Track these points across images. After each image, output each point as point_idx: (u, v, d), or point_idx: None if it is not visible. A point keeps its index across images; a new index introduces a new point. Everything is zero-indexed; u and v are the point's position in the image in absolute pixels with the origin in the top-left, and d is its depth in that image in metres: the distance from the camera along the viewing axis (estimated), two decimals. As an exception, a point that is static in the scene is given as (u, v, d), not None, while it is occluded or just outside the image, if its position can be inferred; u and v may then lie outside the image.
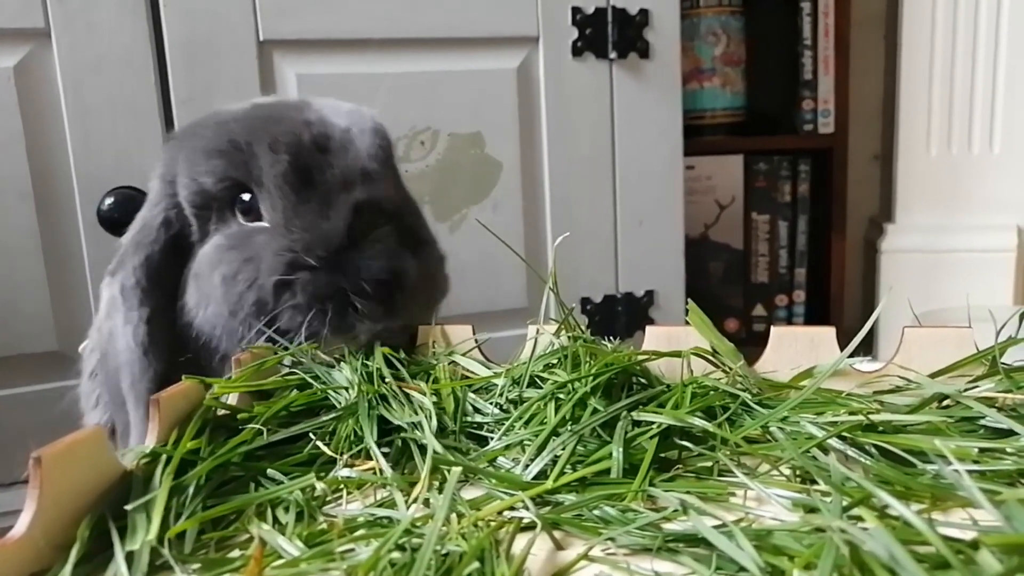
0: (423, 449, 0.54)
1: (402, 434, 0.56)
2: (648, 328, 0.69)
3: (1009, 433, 0.50)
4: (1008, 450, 0.47)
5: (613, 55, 1.53)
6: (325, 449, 0.54)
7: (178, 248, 0.76)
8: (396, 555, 0.40)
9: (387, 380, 0.62)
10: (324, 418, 0.58)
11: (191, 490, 0.48)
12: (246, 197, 0.71)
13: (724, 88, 1.98)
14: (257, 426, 0.56)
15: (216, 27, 1.28)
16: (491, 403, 0.60)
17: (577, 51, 1.51)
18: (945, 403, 0.56)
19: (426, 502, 0.47)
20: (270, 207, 0.70)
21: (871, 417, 0.51)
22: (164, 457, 0.50)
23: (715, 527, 0.40)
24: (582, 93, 1.53)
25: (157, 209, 0.76)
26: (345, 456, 0.54)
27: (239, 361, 0.63)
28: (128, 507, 0.44)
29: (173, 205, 0.75)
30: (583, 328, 0.67)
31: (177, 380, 0.62)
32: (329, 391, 0.61)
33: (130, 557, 0.41)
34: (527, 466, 0.51)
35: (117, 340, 0.74)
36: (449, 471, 0.49)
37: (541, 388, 0.60)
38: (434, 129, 1.44)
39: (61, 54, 1.20)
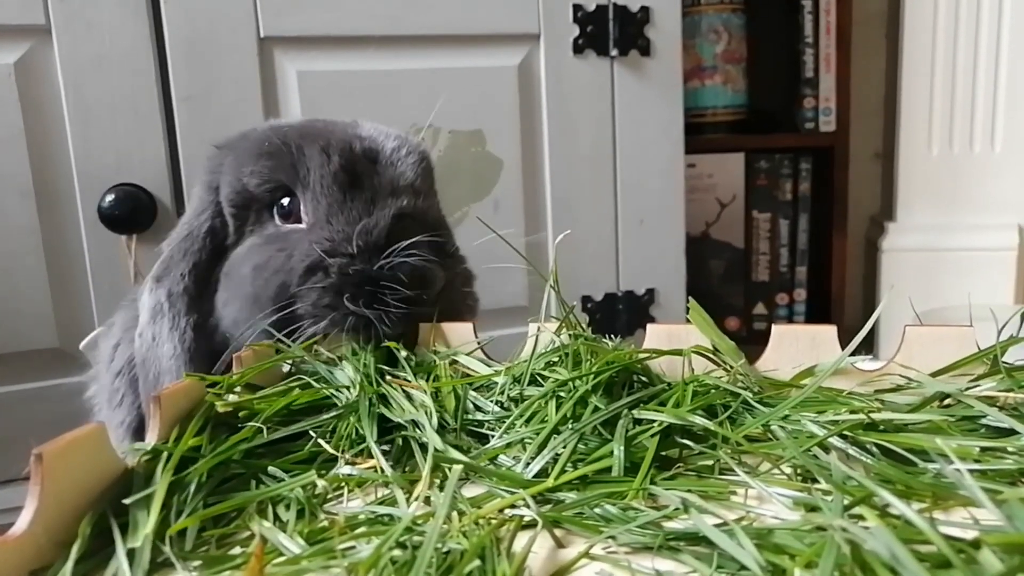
0: (424, 447, 0.54)
1: (403, 432, 0.56)
2: (649, 326, 0.69)
3: (1010, 432, 0.50)
4: (1009, 449, 0.47)
5: (614, 53, 1.53)
6: (326, 447, 0.54)
7: (221, 255, 0.77)
8: (397, 553, 0.40)
9: (388, 379, 0.63)
10: (325, 416, 0.58)
11: (192, 487, 0.48)
12: (286, 201, 0.74)
13: (725, 86, 1.98)
14: (258, 424, 0.56)
15: (217, 24, 1.28)
16: (492, 401, 0.60)
17: (578, 48, 1.51)
18: (946, 402, 0.55)
19: (427, 500, 0.47)
20: (312, 207, 0.72)
21: (872, 416, 0.51)
22: (165, 454, 0.50)
23: (716, 526, 0.40)
24: (583, 91, 1.53)
25: (203, 217, 0.78)
26: (346, 454, 0.54)
27: (240, 359, 0.63)
28: (127, 501, 0.44)
29: (218, 213, 0.77)
30: (584, 326, 0.67)
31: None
32: (331, 390, 0.61)
33: (131, 554, 0.41)
34: (528, 464, 0.51)
35: (162, 346, 0.75)
36: (450, 469, 0.49)
37: (542, 386, 0.60)
38: (435, 126, 1.44)
39: (62, 51, 1.20)
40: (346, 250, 0.69)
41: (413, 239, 0.69)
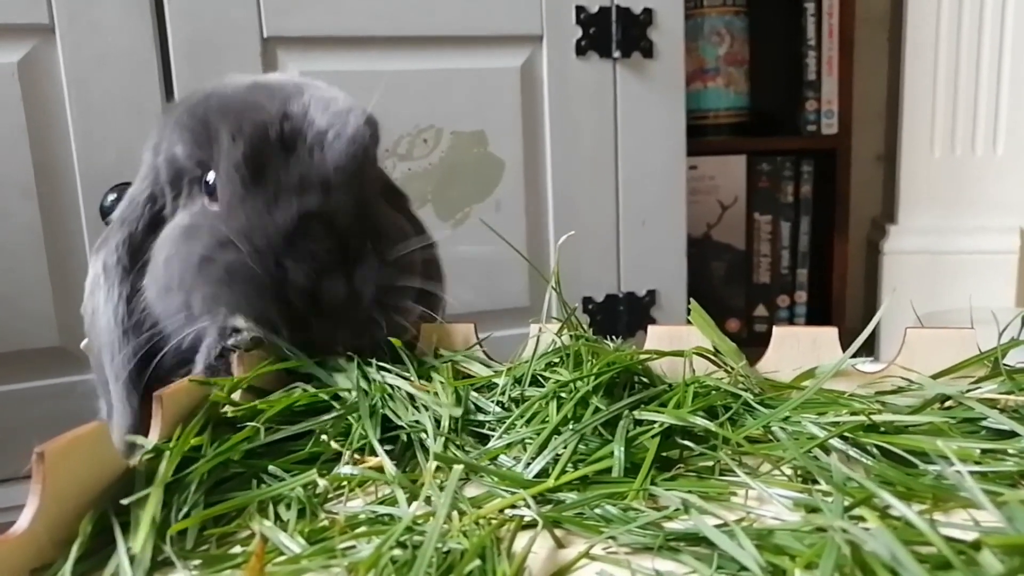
0: (426, 447, 0.54)
1: (405, 430, 0.56)
2: (650, 328, 0.69)
3: (1011, 434, 0.50)
4: (1010, 451, 0.47)
5: (617, 54, 1.53)
6: (332, 444, 0.54)
7: (158, 225, 0.74)
8: (397, 552, 0.40)
9: (389, 381, 0.62)
10: (325, 417, 0.58)
11: (193, 487, 0.48)
12: (211, 178, 0.69)
13: (728, 88, 1.98)
14: (260, 423, 0.56)
15: (220, 24, 1.28)
16: (493, 402, 0.60)
17: (581, 50, 1.51)
18: (947, 404, 0.55)
19: (428, 500, 0.47)
20: (221, 194, 0.68)
21: (873, 418, 0.51)
22: (166, 453, 0.50)
23: (716, 526, 0.40)
24: (585, 92, 1.53)
25: (145, 183, 0.76)
26: (349, 452, 0.54)
27: (242, 359, 0.63)
28: (125, 501, 0.44)
29: (158, 179, 0.74)
30: (585, 327, 0.67)
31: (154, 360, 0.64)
32: (329, 395, 0.61)
33: (132, 553, 0.41)
34: (529, 464, 0.51)
35: (99, 319, 0.74)
36: (451, 469, 0.49)
37: (543, 387, 0.60)
38: (437, 127, 1.44)
39: (65, 50, 1.20)
40: (238, 247, 0.64)
41: (315, 244, 0.64)
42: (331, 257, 0.64)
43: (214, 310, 0.65)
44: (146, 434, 0.53)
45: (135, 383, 0.71)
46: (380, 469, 0.51)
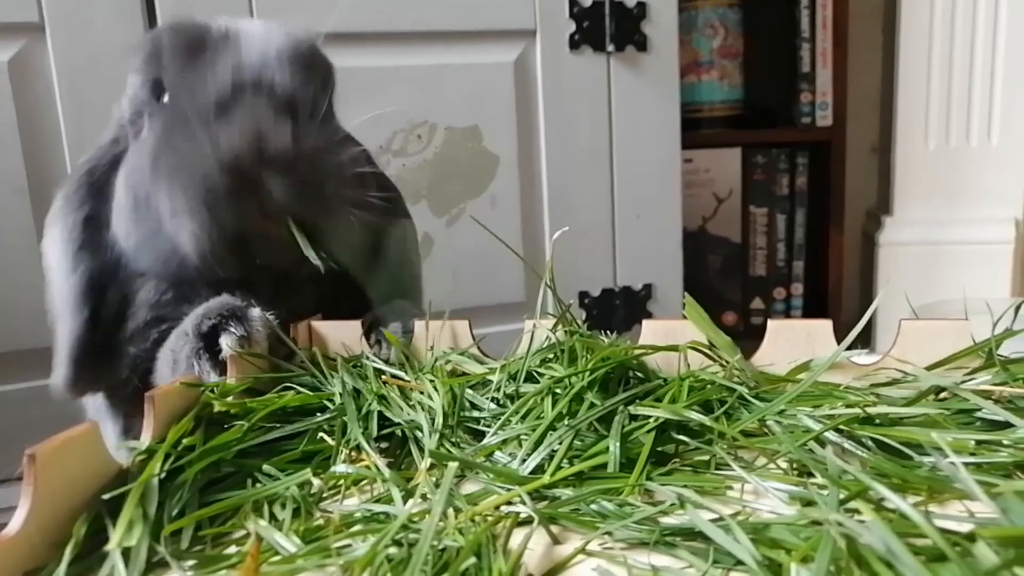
0: (421, 444, 0.54)
1: (400, 427, 0.56)
2: (645, 322, 0.68)
3: (1006, 425, 0.50)
4: (1005, 442, 0.47)
5: (611, 48, 1.53)
6: (328, 440, 0.54)
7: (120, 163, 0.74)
8: (393, 550, 0.40)
9: (384, 378, 0.62)
10: (320, 417, 0.57)
11: (186, 487, 0.48)
12: (167, 98, 0.69)
13: (722, 81, 1.97)
14: (253, 422, 0.56)
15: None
16: (488, 398, 0.60)
17: (575, 44, 1.51)
18: (942, 395, 0.56)
19: (424, 497, 0.47)
20: (167, 95, 0.68)
21: (868, 410, 0.51)
22: (160, 454, 0.50)
23: (712, 521, 0.40)
24: (580, 86, 1.53)
25: (108, 132, 0.76)
26: (346, 451, 0.53)
27: (235, 359, 0.63)
28: (106, 496, 0.44)
29: (123, 120, 0.74)
30: (580, 323, 0.67)
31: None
32: (324, 398, 0.60)
33: (126, 554, 0.41)
34: (524, 461, 0.51)
35: (48, 253, 0.73)
36: (446, 466, 0.49)
37: (538, 383, 0.60)
38: (431, 123, 1.44)
39: (56, 49, 1.20)
40: (185, 136, 0.63)
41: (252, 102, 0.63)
42: (274, 116, 0.63)
43: (178, 204, 0.63)
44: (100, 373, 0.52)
45: (90, 309, 0.70)
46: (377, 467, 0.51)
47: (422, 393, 0.60)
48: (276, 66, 0.67)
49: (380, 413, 0.57)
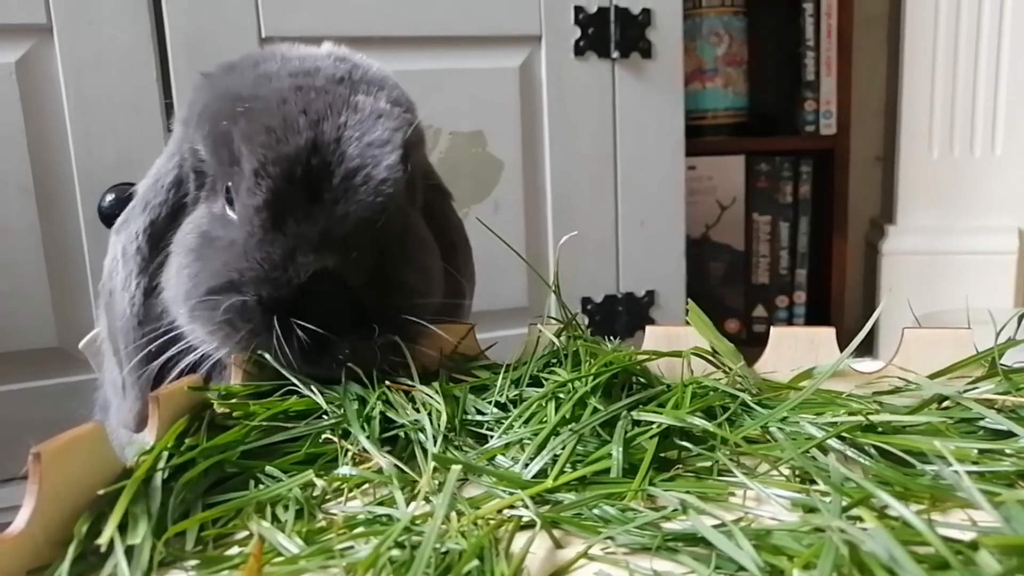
0: (424, 448, 0.54)
1: (404, 429, 0.56)
2: (648, 328, 0.69)
3: (1008, 434, 0.50)
4: (1007, 451, 0.47)
5: (615, 55, 1.53)
6: (335, 439, 0.54)
7: (181, 211, 0.73)
8: (396, 553, 0.40)
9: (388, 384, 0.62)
10: (326, 421, 0.57)
11: (190, 487, 0.48)
12: (230, 187, 0.66)
13: (726, 88, 1.98)
14: (256, 422, 0.56)
15: (218, 23, 1.28)
16: (491, 402, 0.60)
17: (579, 50, 1.51)
18: (944, 404, 0.56)
19: (428, 499, 0.47)
20: (238, 222, 0.65)
21: (870, 418, 0.51)
22: (164, 454, 0.50)
23: (714, 527, 0.40)
24: (584, 92, 1.53)
25: (172, 162, 0.73)
26: (352, 450, 0.53)
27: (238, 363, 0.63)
28: (101, 491, 0.45)
29: (186, 158, 0.72)
30: (583, 329, 0.67)
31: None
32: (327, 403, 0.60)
33: (128, 553, 0.41)
34: (527, 465, 0.51)
35: (115, 305, 0.73)
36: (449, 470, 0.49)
37: (541, 387, 0.60)
38: (436, 127, 1.44)
39: (63, 50, 1.20)
40: (242, 292, 0.62)
41: (325, 300, 0.61)
42: (340, 317, 0.62)
43: (213, 345, 0.64)
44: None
45: (146, 371, 0.71)
46: (381, 470, 0.51)
47: (428, 397, 0.60)
48: (365, 234, 0.63)
49: (385, 416, 0.57)
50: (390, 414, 0.58)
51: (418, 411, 0.58)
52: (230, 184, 0.66)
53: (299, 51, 0.74)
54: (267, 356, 0.62)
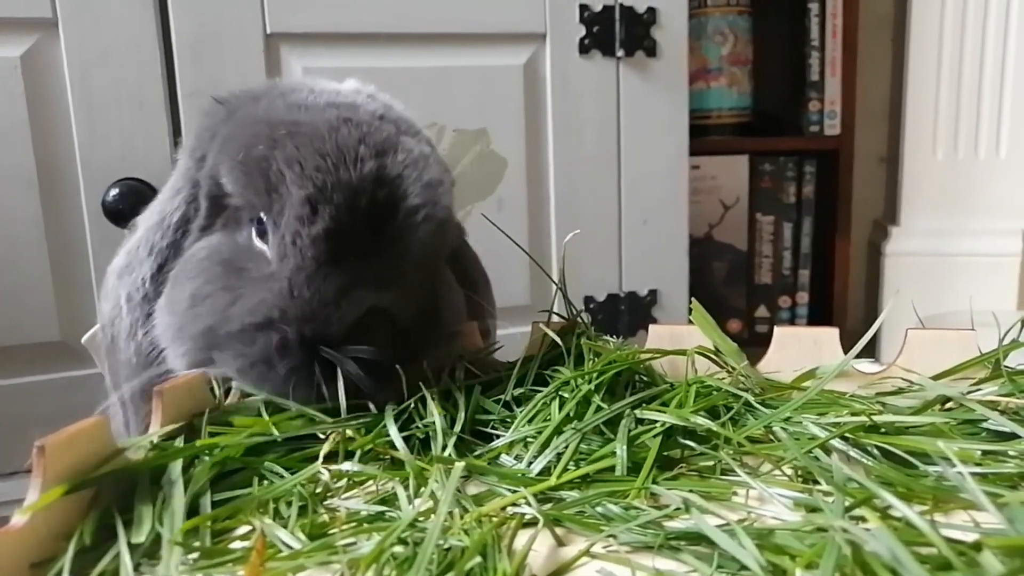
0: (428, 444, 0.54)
1: (417, 431, 0.56)
2: (651, 327, 0.69)
3: (1012, 436, 0.50)
4: (1010, 453, 0.47)
5: (620, 53, 1.53)
6: (351, 433, 0.54)
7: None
8: (398, 549, 0.40)
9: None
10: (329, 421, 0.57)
11: (194, 483, 0.48)
12: (264, 217, 0.60)
13: (731, 88, 1.97)
14: (262, 418, 0.56)
15: (223, 19, 1.28)
16: (497, 400, 0.60)
17: (584, 49, 1.51)
18: (948, 405, 0.55)
19: (432, 496, 0.47)
20: (278, 254, 0.58)
21: (874, 418, 0.51)
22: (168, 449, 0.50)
23: (717, 526, 0.40)
24: (588, 91, 1.53)
25: (179, 200, 0.68)
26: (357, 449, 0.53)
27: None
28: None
29: (194, 196, 0.67)
30: (588, 326, 0.67)
31: None
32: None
33: (132, 546, 0.41)
34: (531, 463, 0.51)
35: (118, 351, 0.70)
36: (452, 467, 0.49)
37: (546, 385, 0.60)
38: (440, 125, 1.44)
39: (68, 44, 1.20)
40: (284, 331, 0.56)
41: (370, 337, 0.56)
42: (385, 363, 0.57)
43: (239, 381, 0.59)
44: None
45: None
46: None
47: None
48: (421, 273, 0.61)
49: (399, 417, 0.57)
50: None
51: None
52: (263, 216, 0.60)
53: (326, 84, 0.71)
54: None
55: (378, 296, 0.57)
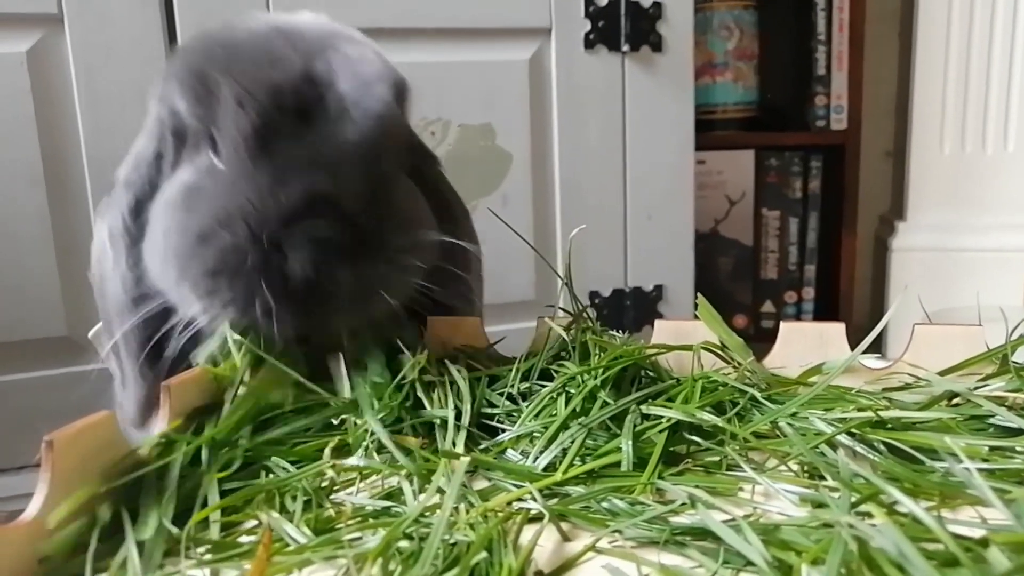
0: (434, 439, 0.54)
1: (422, 421, 0.56)
2: (657, 322, 0.68)
3: (1019, 432, 0.50)
4: (1018, 449, 0.47)
5: (625, 48, 1.52)
6: (356, 421, 0.54)
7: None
8: (404, 544, 0.40)
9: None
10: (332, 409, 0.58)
11: (200, 476, 0.48)
12: (214, 132, 0.63)
13: (736, 83, 1.97)
14: (270, 406, 0.56)
15: (228, 15, 1.28)
16: (502, 394, 0.60)
17: (589, 43, 1.51)
18: (955, 401, 0.55)
19: (440, 490, 0.47)
20: (224, 161, 0.61)
21: (880, 414, 0.51)
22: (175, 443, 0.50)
23: (723, 521, 0.40)
24: (594, 86, 1.53)
25: (150, 140, 0.70)
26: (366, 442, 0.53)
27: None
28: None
29: (162, 132, 0.69)
30: (594, 321, 0.67)
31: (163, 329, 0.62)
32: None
33: (140, 541, 0.42)
34: (536, 458, 0.51)
35: (107, 288, 0.71)
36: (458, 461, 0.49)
37: (551, 380, 0.60)
38: (444, 120, 1.44)
39: (74, 40, 1.20)
40: (238, 228, 0.57)
41: (319, 228, 0.57)
42: (336, 244, 0.58)
43: (206, 298, 0.60)
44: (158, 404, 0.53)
45: (146, 352, 0.68)
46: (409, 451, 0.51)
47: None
48: (359, 159, 0.61)
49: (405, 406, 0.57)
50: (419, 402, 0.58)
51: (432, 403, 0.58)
52: (213, 131, 0.62)
53: (278, 14, 0.74)
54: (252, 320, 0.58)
55: (316, 180, 0.58)
